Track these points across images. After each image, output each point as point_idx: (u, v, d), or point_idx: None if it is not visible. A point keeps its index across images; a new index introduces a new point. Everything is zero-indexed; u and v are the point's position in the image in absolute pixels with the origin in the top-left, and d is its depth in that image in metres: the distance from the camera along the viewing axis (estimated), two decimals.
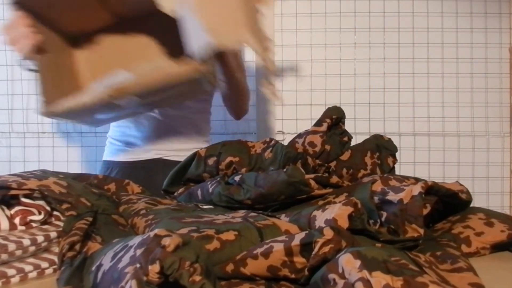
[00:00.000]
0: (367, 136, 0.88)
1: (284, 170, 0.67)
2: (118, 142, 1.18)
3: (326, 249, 0.42)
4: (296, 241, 0.44)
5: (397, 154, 0.87)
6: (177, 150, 1.16)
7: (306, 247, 0.44)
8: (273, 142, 0.82)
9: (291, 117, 1.62)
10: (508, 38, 1.62)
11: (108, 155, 1.21)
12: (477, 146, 1.63)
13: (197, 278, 0.33)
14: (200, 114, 1.21)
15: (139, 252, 0.36)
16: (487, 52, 1.62)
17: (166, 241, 0.35)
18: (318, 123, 0.85)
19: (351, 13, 1.61)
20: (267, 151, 0.80)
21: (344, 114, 0.89)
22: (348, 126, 0.90)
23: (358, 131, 1.58)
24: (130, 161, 1.15)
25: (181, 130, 1.17)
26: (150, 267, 0.33)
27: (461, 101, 1.63)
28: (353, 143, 0.88)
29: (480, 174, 1.63)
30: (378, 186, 0.64)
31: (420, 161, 1.62)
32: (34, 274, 0.50)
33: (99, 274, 0.41)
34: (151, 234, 0.37)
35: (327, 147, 0.82)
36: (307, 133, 0.84)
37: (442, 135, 1.62)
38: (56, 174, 0.70)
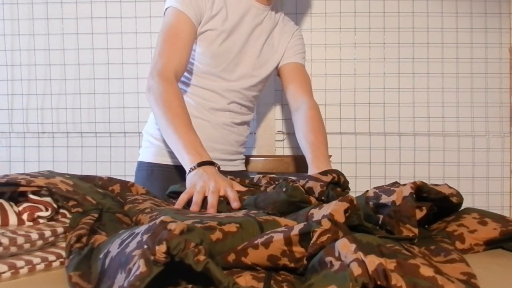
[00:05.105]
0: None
1: (284, 189, 0.68)
2: (161, 143, 1.13)
3: (324, 238, 0.44)
4: (295, 231, 0.46)
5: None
6: (222, 159, 1.13)
7: (304, 236, 0.45)
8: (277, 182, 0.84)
9: (291, 117, 1.63)
10: (508, 38, 1.62)
11: (149, 157, 1.15)
12: (477, 146, 1.63)
13: (202, 257, 0.35)
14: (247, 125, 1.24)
15: (146, 236, 0.37)
16: (487, 52, 1.62)
17: (172, 226, 0.37)
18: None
19: (351, 13, 1.62)
20: (270, 188, 0.83)
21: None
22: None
23: (358, 131, 1.55)
24: (173, 165, 1.10)
25: (230, 138, 1.17)
26: (157, 247, 0.35)
27: (461, 101, 1.62)
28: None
29: (480, 174, 1.62)
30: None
31: (420, 161, 1.59)
32: (41, 266, 0.52)
33: (107, 260, 0.42)
34: (157, 221, 0.39)
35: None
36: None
37: (442, 135, 1.62)
38: (62, 174, 0.72)
